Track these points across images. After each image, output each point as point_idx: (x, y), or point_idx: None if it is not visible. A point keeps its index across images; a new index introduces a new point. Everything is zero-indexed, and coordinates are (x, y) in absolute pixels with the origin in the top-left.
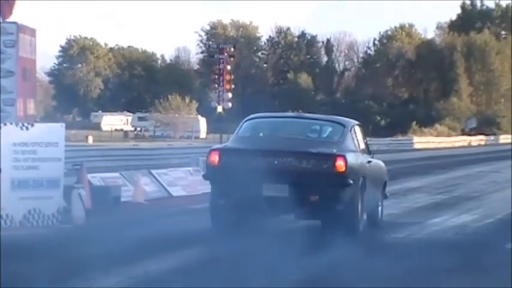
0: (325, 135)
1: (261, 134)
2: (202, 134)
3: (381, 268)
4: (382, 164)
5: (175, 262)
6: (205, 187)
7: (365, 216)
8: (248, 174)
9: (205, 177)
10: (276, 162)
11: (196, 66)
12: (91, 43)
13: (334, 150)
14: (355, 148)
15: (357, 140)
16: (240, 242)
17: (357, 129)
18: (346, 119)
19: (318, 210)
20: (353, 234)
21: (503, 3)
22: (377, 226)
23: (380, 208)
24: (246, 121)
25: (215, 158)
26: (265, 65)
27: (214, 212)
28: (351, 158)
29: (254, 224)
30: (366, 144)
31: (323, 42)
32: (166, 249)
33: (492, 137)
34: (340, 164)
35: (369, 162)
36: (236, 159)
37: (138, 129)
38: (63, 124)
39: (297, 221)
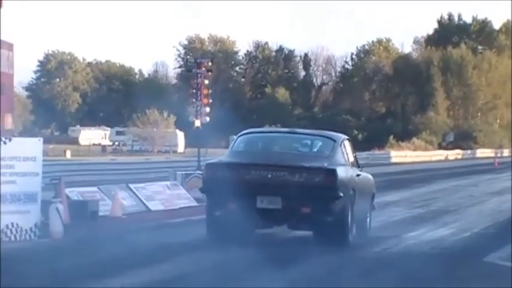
0: (316, 150)
1: (255, 149)
2: (180, 148)
3: (355, 283)
4: (370, 177)
5: (152, 276)
6: (183, 201)
7: (354, 228)
8: (242, 187)
9: (201, 190)
10: (269, 175)
11: (174, 81)
12: (69, 57)
13: (325, 164)
14: (345, 162)
15: (347, 154)
16: (218, 255)
17: (347, 143)
18: (336, 133)
19: (310, 222)
20: (343, 245)
21: (480, 18)
22: (366, 237)
23: (368, 219)
24: (240, 136)
25: (211, 171)
26: (243, 80)
27: (211, 223)
28: (341, 172)
29: (246, 235)
30: (355, 158)
31: (301, 56)
32: (143, 264)
33: (469, 151)
34: (330, 177)
35: (358, 175)
36: (231, 173)
37: (116, 143)
38: (41, 138)
39: (283, 232)
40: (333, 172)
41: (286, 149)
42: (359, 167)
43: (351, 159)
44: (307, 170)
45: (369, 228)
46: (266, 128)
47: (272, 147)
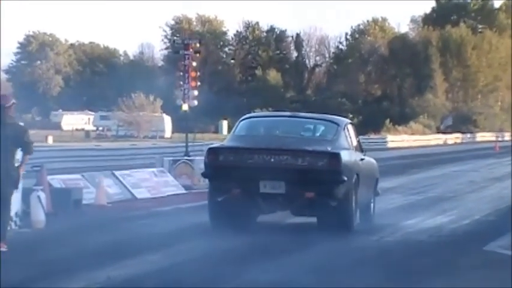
0: (319, 134)
1: (257, 133)
2: (167, 133)
3: (351, 272)
4: (374, 161)
5: (139, 268)
6: (171, 189)
7: (358, 213)
8: (245, 172)
9: (203, 175)
10: (272, 160)
11: (160, 63)
12: (51, 39)
13: (329, 148)
14: (348, 146)
15: (350, 138)
16: (209, 245)
17: (350, 127)
18: (339, 117)
19: (314, 207)
20: (347, 230)
21: None
22: (370, 222)
23: (372, 205)
24: (242, 120)
25: (213, 156)
26: (232, 61)
27: (213, 209)
28: (345, 156)
29: (249, 220)
30: (359, 142)
31: (292, 37)
32: (130, 254)
33: (469, 135)
34: (334, 161)
35: (362, 159)
36: (233, 158)
37: (100, 128)
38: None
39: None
40: (336, 156)
41: (289, 133)
42: (362, 151)
43: (355, 143)
44: (310, 154)
45: (373, 214)
46: (268, 112)
47: (275, 132)
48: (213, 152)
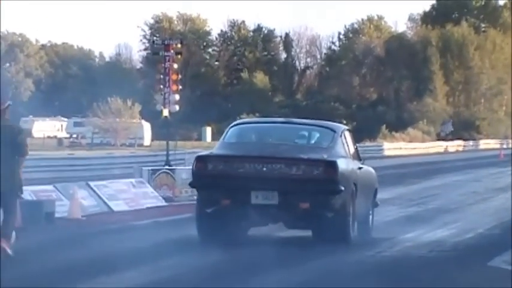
0: (314, 141)
1: (248, 140)
2: (147, 141)
3: None
4: (372, 170)
5: (115, 286)
6: (150, 201)
7: (356, 226)
8: (236, 181)
9: (191, 185)
10: (264, 169)
11: (139, 65)
12: (20, 39)
13: (325, 156)
14: (345, 154)
15: (347, 145)
16: (190, 262)
17: (347, 134)
18: (335, 124)
19: (308, 218)
20: (344, 243)
21: None
22: (368, 235)
23: (371, 217)
24: (232, 127)
25: (201, 165)
26: (216, 63)
27: (201, 221)
28: (342, 164)
29: (240, 233)
30: (356, 150)
31: (281, 37)
32: (105, 271)
33: (471, 142)
34: (331, 170)
35: (360, 168)
36: (223, 166)
37: (74, 136)
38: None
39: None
40: (333, 164)
41: (283, 140)
42: (360, 159)
43: (352, 151)
44: (305, 163)
45: (372, 226)
46: (260, 118)
47: (267, 139)
48: (201, 160)
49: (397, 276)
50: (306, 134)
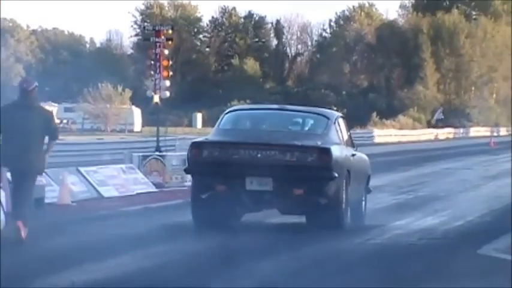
0: (309, 128)
1: (243, 127)
2: (137, 127)
3: (334, 277)
4: (365, 157)
5: (104, 272)
6: (140, 187)
7: (349, 212)
8: (230, 167)
9: (186, 171)
10: (259, 155)
11: (129, 51)
12: (11, 25)
13: (319, 143)
14: (339, 141)
15: (341, 132)
16: (181, 248)
17: (341, 121)
18: (329, 110)
19: (302, 204)
20: (338, 229)
21: None
22: (361, 222)
23: (364, 203)
24: (226, 113)
25: (196, 151)
26: (207, 49)
27: (196, 207)
28: (336, 151)
29: (235, 219)
30: (350, 137)
31: (272, 23)
32: (96, 258)
33: (462, 130)
34: (324, 156)
35: (353, 155)
36: (218, 153)
37: (65, 121)
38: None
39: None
40: (327, 151)
41: (277, 127)
42: (353, 146)
43: (346, 138)
44: (299, 149)
45: (365, 212)
46: (255, 105)
47: (261, 125)
48: (196, 146)
49: (386, 263)
50: (300, 120)
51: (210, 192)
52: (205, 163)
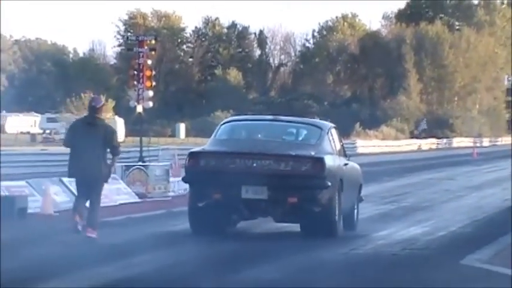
0: (302, 138)
1: (239, 137)
2: (120, 137)
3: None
4: (357, 166)
5: (86, 282)
6: (123, 197)
7: (341, 220)
8: (227, 176)
9: (184, 180)
10: (254, 164)
11: (112, 61)
12: None
13: (313, 153)
14: (332, 150)
15: (334, 142)
16: (163, 258)
17: (334, 131)
18: (322, 121)
19: (297, 213)
20: (331, 236)
21: None
22: (353, 229)
23: (356, 211)
24: (223, 124)
25: (194, 161)
26: (190, 60)
27: (193, 215)
28: (329, 161)
29: (230, 226)
30: (342, 147)
31: (255, 33)
32: (77, 268)
33: (445, 141)
34: (318, 166)
35: (346, 164)
36: (215, 162)
37: (48, 131)
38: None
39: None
40: (320, 161)
41: (272, 137)
42: (346, 156)
43: (338, 147)
44: (293, 159)
45: (357, 220)
46: (250, 116)
47: (257, 136)
48: (194, 156)
49: (369, 274)
50: (294, 131)
51: (206, 200)
52: (202, 172)
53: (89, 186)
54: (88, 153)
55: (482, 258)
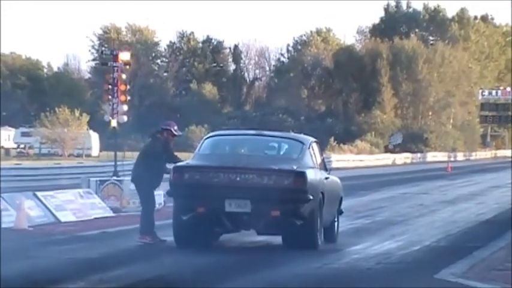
0: (284, 152)
1: (222, 151)
2: (95, 152)
3: None
4: (338, 180)
5: None
6: (98, 211)
7: (322, 232)
8: (210, 190)
9: (168, 193)
10: (237, 178)
11: (87, 75)
12: None
13: (295, 167)
14: (313, 164)
15: (315, 156)
16: (136, 273)
17: (315, 146)
18: (304, 136)
19: (279, 225)
20: (312, 249)
21: (432, 5)
22: (334, 241)
23: (336, 224)
24: (206, 138)
25: (178, 175)
26: (165, 74)
27: (177, 227)
28: (311, 174)
29: (214, 239)
30: (323, 161)
31: (230, 48)
32: (49, 283)
33: (419, 155)
34: (300, 180)
35: (327, 178)
36: (199, 176)
37: (22, 146)
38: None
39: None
40: (302, 174)
41: (254, 152)
42: (327, 170)
43: (319, 161)
44: (276, 173)
45: (337, 232)
46: (232, 130)
47: (240, 150)
48: (178, 170)
49: None
50: (276, 145)
51: (191, 213)
52: (186, 186)
53: (144, 190)
54: (144, 162)
55: (456, 272)
